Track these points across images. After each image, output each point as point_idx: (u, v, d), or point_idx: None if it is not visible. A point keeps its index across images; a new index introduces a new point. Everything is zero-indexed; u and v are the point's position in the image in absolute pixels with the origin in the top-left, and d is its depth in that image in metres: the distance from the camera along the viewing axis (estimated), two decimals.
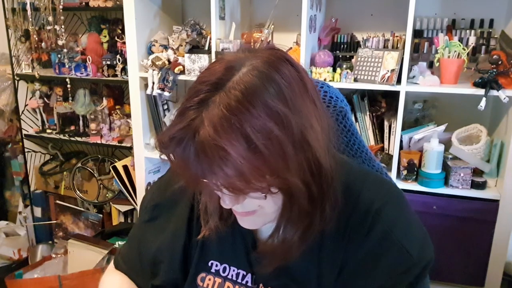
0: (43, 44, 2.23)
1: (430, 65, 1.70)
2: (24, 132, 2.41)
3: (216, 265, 0.71)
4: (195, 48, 1.86)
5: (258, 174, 0.50)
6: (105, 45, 2.19)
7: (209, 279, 0.71)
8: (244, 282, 0.69)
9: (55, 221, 2.48)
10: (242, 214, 0.60)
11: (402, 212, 0.67)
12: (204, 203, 0.68)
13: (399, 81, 1.58)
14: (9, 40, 2.26)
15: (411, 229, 0.66)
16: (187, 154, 0.50)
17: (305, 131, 0.52)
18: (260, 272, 0.67)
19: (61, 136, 2.32)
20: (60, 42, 2.14)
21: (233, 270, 0.70)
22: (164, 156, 0.55)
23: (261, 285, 0.68)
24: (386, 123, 1.73)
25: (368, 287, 0.63)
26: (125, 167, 2.11)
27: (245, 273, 0.70)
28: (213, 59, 1.77)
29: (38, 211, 2.53)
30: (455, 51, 1.57)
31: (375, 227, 0.62)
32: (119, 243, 2.04)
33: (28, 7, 2.14)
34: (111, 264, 0.85)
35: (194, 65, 1.84)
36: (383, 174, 0.80)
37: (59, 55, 2.21)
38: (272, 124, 0.49)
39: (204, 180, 0.53)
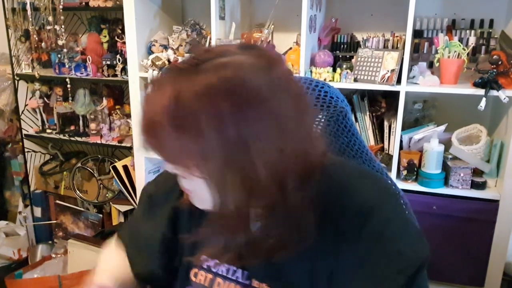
0: (43, 44, 2.23)
1: (430, 65, 1.70)
2: (24, 132, 2.41)
3: (207, 261, 0.72)
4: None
5: (179, 153, 0.53)
6: (105, 45, 2.19)
7: (201, 275, 0.72)
8: (234, 277, 0.69)
9: (55, 221, 2.48)
10: (186, 190, 0.62)
11: (395, 211, 0.65)
12: None
13: (399, 81, 1.58)
14: (9, 40, 2.26)
15: (404, 228, 0.64)
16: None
17: (248, 143, 0.51)
18: (248, 266, 0.67)
19: (61, 136, 2.32)
20: (60, 42, 2.14)
21: (223, 266, 0.70)
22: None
23: (254, 281, 0.67)
24: (386, 123, 1.73)
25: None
26: (125, 167, 2.11)
27: (235, 268, 0.69)
28: None
29: (38, 211, 2.53)
30: (455, 51, 1.57)
31: (368, 227, 0.61)
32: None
33: (28, 7, 2.14)
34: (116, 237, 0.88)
35: None
36: (383, 175, 0.80)
37: (59, 55, 2.21)
38: (208, 121, 0.50)
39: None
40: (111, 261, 0.83)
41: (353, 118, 0.83)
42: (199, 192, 0.59)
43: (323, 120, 0.78)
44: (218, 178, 0.54)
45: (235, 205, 0.55)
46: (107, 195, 2.32)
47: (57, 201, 2.45)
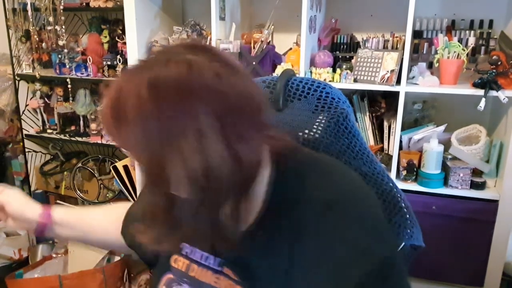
0: (43, 44, 2.23)
1: (430, 66, 1.70)
2: (24, 132, 2.41)
3: (187, 247, 0.74)
4: None
5: (120, 142, 0.60)
6: (106, 46, 2.19)
7: (180, 261, 0.74)
8: (207, 263, 0.71)
9: None
10: None
11: (356, 207, 0.62)
12: None
13: (398, 81, 1.58)
14: (9, 41, 2.27)
15: (364, 226, 0.60)
16: None
17: (171, 138, 0.54)
18: (220, 253, 0.69)
19: (62, 136, 2.32)
20: (60, 43, 2.14)
21: (198, 252, 0.72)
22: None
23: (225, 268, 0.69)
24: (385, 124, 1.74)
25: (315, 285, 0.60)
26: (126, 167, 2.12)
27: (208, 255, 0.71)
28: None
29: None
30: (454, 52, 1.57)
31: (325, 223, 0.60)
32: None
33: (28, 7, 2.15)
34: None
35: None
36: (384, 177, 0.78)
37: (59, 56, 2.21)
38: (135, 114, 0.55)
39: None
40: (93, 213, 0.93)
41: (354, 119, 0.82)
42: None
43: (323, 121, 0.78)
44: (145, 168, 0.59)
45: (160, 196, 0.60)
46: (107, 195, 2.33)
47: (58, 201, 2.46)
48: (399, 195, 0.78)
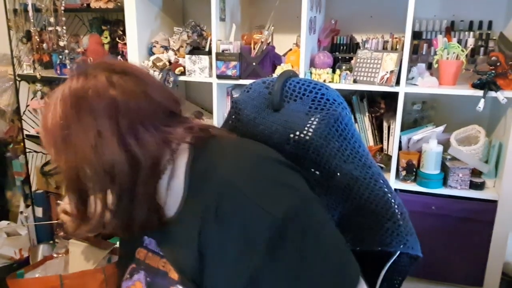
0: (44, 45, 2.24)
1: (429, 67, 1.71)
2: (25, 132, 2.42)
3: (146, 239, 0.80)
4: (196, 49, 1.87)
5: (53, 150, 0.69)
6: (106, 46, 2.20)
7: (141, 252, 0.80)
8: (155, 250, 0.78)
9: (56, 221, 2.48)
10: None
11: (244, 183, 0.65)
12: None
13: (398, 82, 1.59)
14: (10, 41, 2.27)
15: (258, 186, 0.65)
16: None
17: (69, 138, 0.66)
18: (154, 236, 0.77)
19: None
20: (61, 43, 2.15)
21: (152, 240, 0.79)
22: None
23: (161, 248, 0.76)
24: (385, 124, 1.74)
25: (226, 266, 0.64)
26: None
27: (154, 242, 0.78)
28: (214, 60, 1.79)
29: (39, 211, 2.54)
30: (454, 53, 1.58)
31: (222, 206, 0.64)
32: (120, 243, 2.05)
33: (29, 8, 2.15)
34: None
35: (195, 66, 1.85)
36: (378, 182, 0.77)
37: (60, 56, 2.22)
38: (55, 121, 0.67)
39: None
40: None
41: (350, 122, 0.81)
42: None
43: (315, 123, 0.77)
44: (63, 171, 0.68)
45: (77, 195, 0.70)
46: None
47: (58, 201, 2.46)
48: (393, 201, 0.76)
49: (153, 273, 0.76)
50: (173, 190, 0.72)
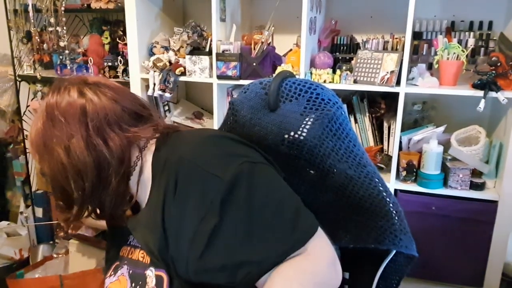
0: (44, 45, 2.24)
1: (429, 67, 1.71)
2: (25, 132, 2.42)
3: (130, 238, 0.86)
4: (196, 49, 1.87)
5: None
6: (107, 47, 2.20)
7: (125, 249, 0.86)
8: (134, 243, 0.85)
9: (56, 221, 2.49)
10: None
11: (200, 146, 0.74)
12: None
13: (398, 82, 1.58)
14: (11, 41, 2.27)
15: (208, 156, 0.72)
16: None
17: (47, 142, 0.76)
18: (132, 231, 0.82)
19: None
20: (61, 44, 2.15)
21: (132, 236, 0.85)
22: None
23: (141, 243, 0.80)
24: (385, 124, 1.74)
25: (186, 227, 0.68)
26: None
27: (132, 236, 0.84)
28: (214, 61, 1.79)
29: (39, 211, 2.54)
30: (454, 53, 1.58)
31: (179, 175, 0.71)
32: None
33: (30, 8, 2.15)
34: None
35: (195, 67, 1.85)
36: (372, 181, 0.78)
37: (60, 57, 2.22)
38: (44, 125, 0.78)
39: None
40: None
41: (344, 121, 0.81)
42: None
43: (309, 123, 0.78)
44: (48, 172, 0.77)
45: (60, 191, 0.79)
46: None
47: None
48: (388, 200, 0.77)
49: (134, 265, 0.81)
50: (143, 184, 0.79)
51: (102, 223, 1.11)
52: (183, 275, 0.70)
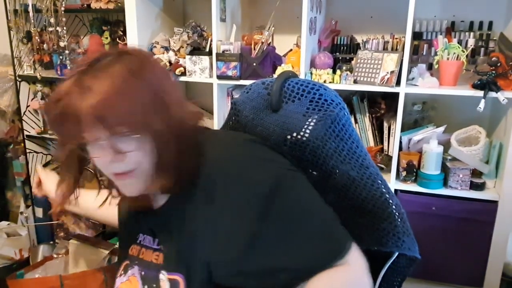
0: (45, 45, 2.24)
1: (430, 67, 1.71)
2: (25, 133, 2.42)
3: (141, 236, 0.83)
4: (196, 49, 1.87)
5: (129, 116, 0.64)
6: (107, 47, 2.20)
7: (135, 248, 0.84)
8: (149, 245, 0.81)
9: (56, 222, 2.49)
10: (123, 176, 0.70)
11: (236, 152, 0.73)
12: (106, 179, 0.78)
13: (398, 82, 1.59)
14: (11, 42, 2.27)
15: (244, 162, 0.71)
16: (78, 107, 0.62)
17: (163, 95, 0.68)
18: (157, 235, 0.79)
19: None
20: (62, 44, 2.15)
21: (147, 238, 0.82)
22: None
23: (162, 246, 0.78)
24: (385, 125, 1.74)
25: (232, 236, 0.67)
26: None
27: (151, 238, 0.81)
28: (214, 61, 1.79)
29: (39, 212, 2.54)
30: (454, 53, 1.58)
31: (218, 175, 0.69)
32: (119, 244, 2.05)
33: (30, 8, 2.15)
34: None
35: (195, 67, 1.85)
36: (375, 183, 0.78)
37: (61, 57, 2.22)
38: (133, 78, 0.66)
39: (84, 140, 0.66)
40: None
41: (347, 122, 0.80)
42: (143, 163, 0.69)
43: (312, 124, 0.77)
44: (156, 131, 0.67)
45: (168, 155, 0.69)
46: None
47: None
48: (390, 201, 0.77)
49: (146, 266, 0.79)
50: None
51: (101, 214, 1.10)
52: (218, 278, 0.69)
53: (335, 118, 0.77)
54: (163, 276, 0.75)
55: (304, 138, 0.78)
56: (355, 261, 0.67)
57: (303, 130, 0.78)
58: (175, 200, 0.76)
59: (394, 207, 0.76)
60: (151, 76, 0.68)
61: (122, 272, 0.84)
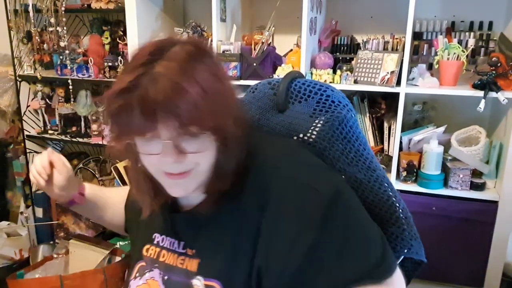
0: (45, 45, 2.24)
1: (430, 67, 1.71)
2: (26, 133, 2.42)
3: (157, 237, 0.80)
4: None
5: (207, 112, 0.60)
6: (107, 47, 2.20)
7: (152, 249, 0.80)
8: (173, 248, 0.76)
9: (56, 222, 2.49)
10: (178, 176, 0.66)
11: (292, 157, 0.71)
12: (136, 184, 0.75)
13: (398, 83, 1.59)
14: (11, 42, 2.27)
15: (309, 170, 0.69)
16: (135, 105, 0.59)
17: (226, 91, 0.66)
18: (183, 238, 0.76)
19: (63, 137, 2.33)
20: (62, 44, 2.15)
21: (168, 239, 0.78)
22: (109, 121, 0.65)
23: (188, 249, 0.74)
24: (386, 125, 1.74)
25: (285, 244, 0.64)
26: (126, 168, 2.12)
27: (174, 240, 0.77)
28: None
29: (39, 212, 2.54)
30: (454, 53, 1.58)
31: (274, 181, 0.67)
32: (120, 244, 2.05)
33: (30, 8, 2.15)
34: None
35: None
36: (382, 185, 0.77)
37: (61, 57, 2.22)
38: (211, 77, 0.63)
39: (148, 136, 0.61)
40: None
41: (355, 124, 0.78)
42: (202, 164, 0.66)
43: (319, 125, 0.77)
44: (224, 129, 0.64)
45: (233, 153, 0.67)
46: None
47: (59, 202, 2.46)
48: (397, 205, 0.76)
49: (169, 270, 0.75)
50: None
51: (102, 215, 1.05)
52: (268, 285, 0.66)
53: (343, 120, 0.76)
54: (199, 282, 0.71)
55: (311, 140, 0.77)
56: (398, 279, 0.65)
57: (310, 131, 0.77)
58: (214, 202, 0.71)
59: (401, 211, 0.75)
60: (225, 76, 0.68)
61: (137, 274, 0.80)
